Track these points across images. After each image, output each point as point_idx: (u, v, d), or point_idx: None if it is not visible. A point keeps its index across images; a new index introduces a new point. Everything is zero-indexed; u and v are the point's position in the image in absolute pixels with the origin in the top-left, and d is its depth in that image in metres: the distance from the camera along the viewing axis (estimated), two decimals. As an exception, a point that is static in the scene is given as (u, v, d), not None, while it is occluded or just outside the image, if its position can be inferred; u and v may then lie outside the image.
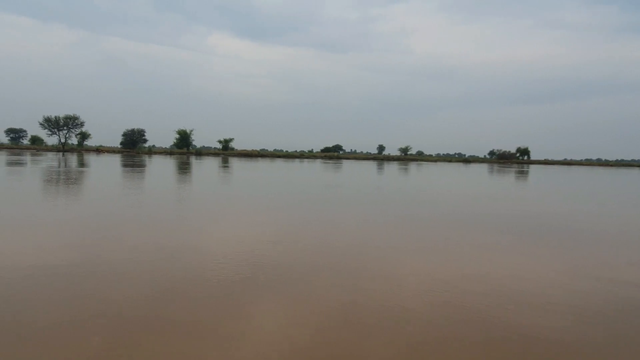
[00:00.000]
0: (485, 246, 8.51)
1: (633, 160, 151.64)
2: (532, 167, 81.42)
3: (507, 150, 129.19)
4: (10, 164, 36.18)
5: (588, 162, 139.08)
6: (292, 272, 6.25)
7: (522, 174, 50.10)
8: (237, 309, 4.67)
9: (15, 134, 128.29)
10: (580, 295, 5.60)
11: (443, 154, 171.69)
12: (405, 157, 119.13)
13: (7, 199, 13.77)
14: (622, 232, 10.94)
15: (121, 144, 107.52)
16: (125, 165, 39.67)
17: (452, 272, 6.48)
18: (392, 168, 55.90)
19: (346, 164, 71.18)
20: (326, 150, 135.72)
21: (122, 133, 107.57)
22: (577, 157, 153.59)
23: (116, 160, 54.08)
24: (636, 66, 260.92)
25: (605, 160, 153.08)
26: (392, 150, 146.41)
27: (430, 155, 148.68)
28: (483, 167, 72.07)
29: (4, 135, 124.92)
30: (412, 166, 66.86)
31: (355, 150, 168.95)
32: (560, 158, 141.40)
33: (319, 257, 7.20)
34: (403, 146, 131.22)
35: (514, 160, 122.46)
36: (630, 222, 13.10)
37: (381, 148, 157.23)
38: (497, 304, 5.12)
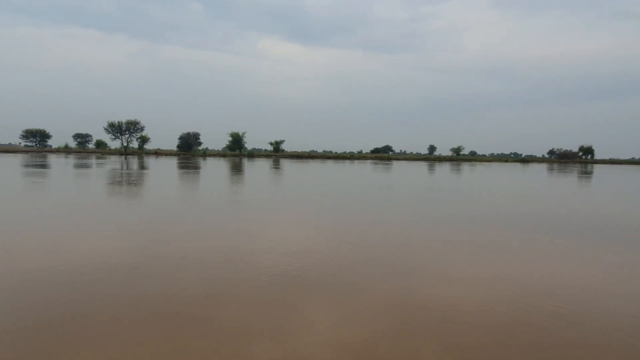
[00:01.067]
0: (552, 251, 8.06)
1: None
2: (598, 167, 76.71)
3: (569, 149, 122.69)
4: (79, 166, 38.65)
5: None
6: (343, 271, 6.22)
7: (587, 174, 47.27)
8: (288, 308, 4.71)
9: (82, 139, 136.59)
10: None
11: (497, 154, 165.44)
12: (458, 158, 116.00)
13: (77, 200, 14.68)
14: None
15: (177, 146, 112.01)
16: (183, 167, 41.26)
17: (512, 276, 6.22)
18: (444, 169, 54.55)
19: (397, 164, 70.28)
20: (376, 151, 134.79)
21: (178, 136, 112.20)
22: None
23: (174, 162, 56.35)
24: None
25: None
26: (443, 150, 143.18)
27: (484, 156, 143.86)
28: (542, 168, 68.71)
29: (72, 140, 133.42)
30: (466, 167, 64.89)
31: (404, 151, 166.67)
32: (627, 157, 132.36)
33: (370, 257, 7.15)
34: (455, 146, 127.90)
35: (577, 159, 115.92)
36: None
37: (432, 148, 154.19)
38: (559, 309, 4.86)
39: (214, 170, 38.59)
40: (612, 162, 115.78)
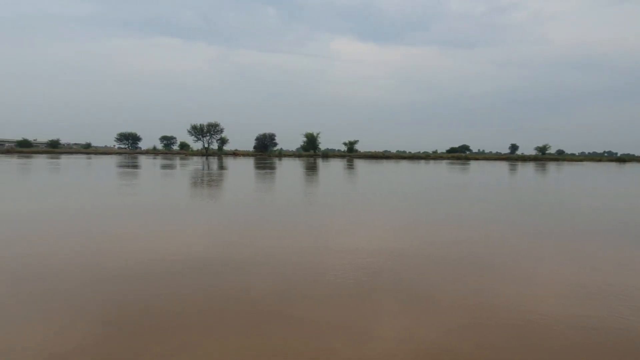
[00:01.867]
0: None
1: None
2: None
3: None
4: (167, 167, 41.21)
5: None
6: (418, 271, 6.11)
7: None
8: (363, 308, 4.66)
9: (168, 141, 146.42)
10: None
11: (589, 153, 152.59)
12: (543, 157, 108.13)
13: (169, 200, 15.41)
14: None
15: (254, 147, 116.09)
16: (261, 167, 42.48)
17: (594, 281, 5.69)
18: (528, 169, 51.06)
19: (475, 164, 67.09)
20: (452, 150, 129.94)
21: (254, 137, 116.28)
22: None
23: (251, 162, 58.32)
24: None
25: None
26: (526, 149, 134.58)
27: (573, 155, 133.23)
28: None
29: (159, 142, 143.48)
30: (553, 167, 60.28)
31: (483, 151, 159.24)
32: None
33: (447, 255, 7.00)
34: (540, 145, 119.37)
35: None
36: None
37: (514, 147, 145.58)
38: None
39: (291, 170, 39.27)
40: None
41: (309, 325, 4.15)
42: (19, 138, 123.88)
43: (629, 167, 67.53)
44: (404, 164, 64.67)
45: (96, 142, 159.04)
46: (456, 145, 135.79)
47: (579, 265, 6.66)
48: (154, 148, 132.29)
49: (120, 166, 40.12)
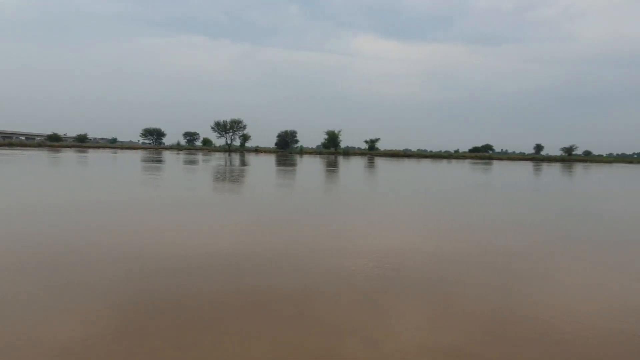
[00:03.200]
0: None
1: None
2: None
3: None
4: (190, 162, 41.88)
5: None
6: (434, 273, 6.05)
7: None
8: (377, 310, 4.63)
9: (191, 137, 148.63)
10: None
11: (618, 154, 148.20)
12: (570, 158, 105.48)
13: (194, 195, 15.71)
14: None
15: (275, 144, 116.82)
16: (283, 164, 42.78)
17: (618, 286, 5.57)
18: (555, 170, 49.95)
19: (499, 165, 66.02)
20: (475, 150, 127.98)
21: (276, 134, 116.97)
22: None
23: (273, 159, 58.67)
24: None
25: None
26: (551, 150, 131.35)
27: (601, 156, 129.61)
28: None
29: (182, 137, 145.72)
30: (581, 168, 58.80)
31: (506, 151, 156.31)
32: None
33: (464, 258, 6.90)
34: (567, 145, 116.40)
35: None
36: None
37: (539, 147, 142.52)
38: None
39: (313, 167, 39.42)
40: None
41: (321, 326, 4.19)
42: (49, 132, 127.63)
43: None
44: (426, 163, 64.12)
45: (122, 137, 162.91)
46: (479, 144, 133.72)
47: (617, 274, 6.48)
48: (178, 144, 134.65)
49: (146, 161, 40.98)
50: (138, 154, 63.06)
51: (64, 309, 4.36)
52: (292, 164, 45.80)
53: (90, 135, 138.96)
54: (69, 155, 49.81)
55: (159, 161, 41.93)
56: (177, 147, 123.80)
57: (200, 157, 60.94)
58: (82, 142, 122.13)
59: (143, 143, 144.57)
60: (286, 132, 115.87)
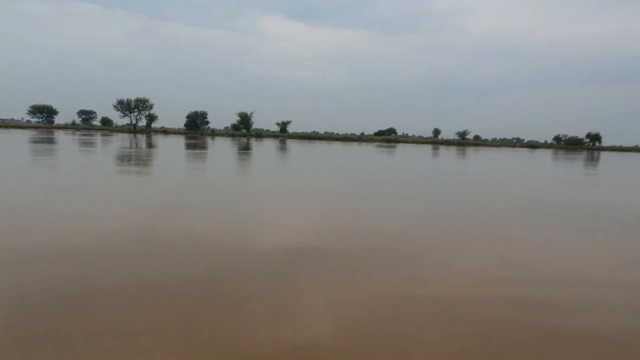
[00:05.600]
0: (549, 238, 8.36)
1: None
2: (611, 155, 76.63)
3: (575, 135, 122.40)
4: (90, 144, 38.84)
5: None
6: (345, 253, 6.34)
7: (594, 161, 47.23)
8: (285, 289, 4.82)
9: (87, 115, 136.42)
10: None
11: (500, 139, 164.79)
12: (464, 142, 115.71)
13: (89, 179, 15.00)
14: None
15: (185, 125, 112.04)
16: (194, 147, 41.48)
17: (511, 265, 6.26)
18: (464, 153, 54.65)
19: (405, 147, 70.41)
20: (380, 133, 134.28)
21: (185, 115, 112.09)
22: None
23: (183, 141, 56.38)
24: None
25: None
26: (447, 134, 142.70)
27: (487, 140, 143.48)
28: (550, 154, 68.75)
29: (77, 116, 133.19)
30: (480, 151, 64.87)
31: (407, 134, 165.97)
32: (631, 144, 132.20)
33: (376, 243, 7.17)
34: (461, 130, 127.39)
35: (584, 146, 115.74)
36: None
37: (437, 132, 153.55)
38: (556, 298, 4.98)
39: (226, 149, 38.78)
40: (621, 149, 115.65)
41: (231, 305, 4.32)
42: None
43: (539, 152, 74.51)
44: (338, 145, 66.07)
45: (3, 115, 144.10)
46: (383, 128, 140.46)
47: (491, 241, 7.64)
48: (73, 123, 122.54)
49: (37, 142, 37.17)
50: (26, 134, 56.64)
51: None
52: (203, 146, 44.53)
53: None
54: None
55: (52, 142, 38.20)
56: (72, 127, 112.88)
57: (101, 137, 56.53)
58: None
59: (28, 122, 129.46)
60: (196, 112, 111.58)
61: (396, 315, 4.32)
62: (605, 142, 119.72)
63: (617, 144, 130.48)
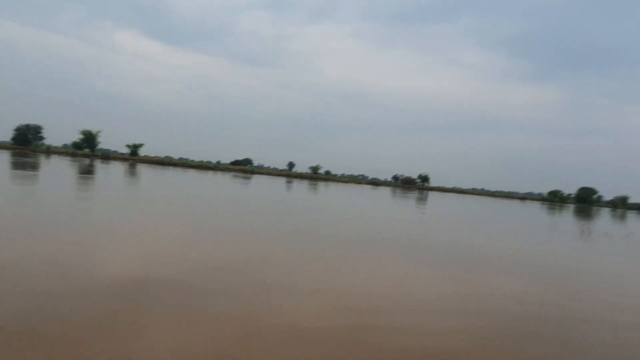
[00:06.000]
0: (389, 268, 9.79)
1: (510, 192, 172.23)
2: (437, 194, 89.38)
3: (409, 175, 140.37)
4: None
5: (474, 192, 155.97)
6: (189, 281, 6.64)
7: (424, 200, 55.08)
8: (129, 325, 4.75)
9: None
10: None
11: (347, 175, 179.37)
12: (317, 176, 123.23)
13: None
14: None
15: (13, 139, 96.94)
16: (22, 166, 36.86)
17: (353, 290, 7.10)
18: (321, 188, 57.93)
19: (260, 178, 72.16)
20: (236, 163, 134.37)
21: (13, 128, 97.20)
22: (464, 186, 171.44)
23: (14, 160, 49.20)
24: (516, 108, 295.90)
25: (487, 190, 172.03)
26: (301, 167, 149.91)
27: (336, 175, 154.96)
28: (389, 191, 77.67)
29: None
30: (332, 186, 69.70)
31: (263, 165, 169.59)
32: (450, 186, 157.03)
33: (229, 266, 7.91)
34: (314, 165, 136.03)
35: (416, 185, 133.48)
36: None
37: (291, 165, 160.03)
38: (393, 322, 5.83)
39: (61, 172, 35.25)
40: (442, 190, 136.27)
41: (58, 344, 4.20)
42: None
43: (381, 189, 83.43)
44: (193, 173, 64.47)
45: None
46: (240, 157, 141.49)
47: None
48: None
49: None
50: None
51: None
52: (34, 166, 39.54)
53: None
54: None
55: None
56: None
57: None
58: None
59: None
60: (27, 126, 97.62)
61: (247, 348, 4.55)
62: (432, 183, 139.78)
63: (441, 185, 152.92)
